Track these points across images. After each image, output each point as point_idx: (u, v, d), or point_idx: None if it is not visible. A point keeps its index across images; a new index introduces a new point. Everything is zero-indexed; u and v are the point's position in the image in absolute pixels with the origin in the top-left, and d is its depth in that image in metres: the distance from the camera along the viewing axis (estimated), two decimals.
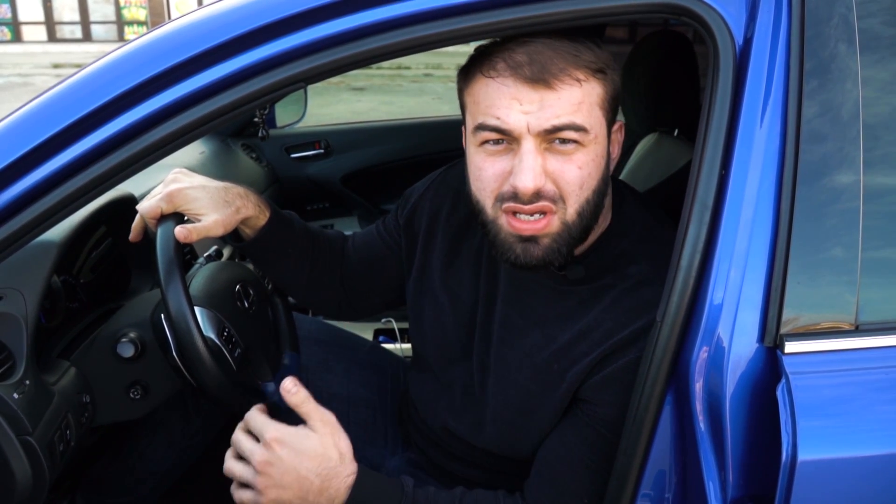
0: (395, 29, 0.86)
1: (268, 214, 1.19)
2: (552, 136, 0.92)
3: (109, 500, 1.43)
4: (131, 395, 1.18)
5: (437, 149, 2.81)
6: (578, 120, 0.91)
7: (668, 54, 1.72)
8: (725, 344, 0.83)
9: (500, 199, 0.95)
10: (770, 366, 0.83)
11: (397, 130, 2.93)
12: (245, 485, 0.97)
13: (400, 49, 0.88)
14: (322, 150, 2.77)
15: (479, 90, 0.95)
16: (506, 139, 0.94)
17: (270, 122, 2.69)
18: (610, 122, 0.98)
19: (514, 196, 0.93)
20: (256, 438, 0.97)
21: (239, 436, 0.99)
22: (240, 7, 0.89)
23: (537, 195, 0.93)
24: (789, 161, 0.84)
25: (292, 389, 0.96)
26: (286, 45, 0.86)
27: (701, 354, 0.84)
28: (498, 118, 0.92)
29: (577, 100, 0.91)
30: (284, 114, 2.75)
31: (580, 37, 0.94)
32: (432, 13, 0.87)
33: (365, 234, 1.34)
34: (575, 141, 0.92)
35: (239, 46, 0.86)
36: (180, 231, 1.05)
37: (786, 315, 0.83)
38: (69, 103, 0.88)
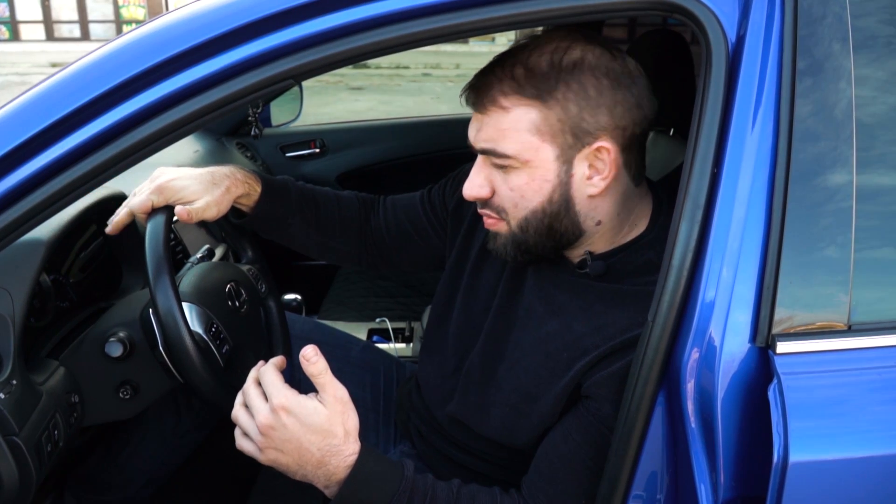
0: (384, 26, 0.86)
1: (259, 191, 1.22)
2: (488, 157, 1.00)
3: (99, 497, 1.42)
4: (121, 394, 1.17)
5: (433, 148, 2.80)
6: (500, 147, 0.98)
7: (665, 54, 1.71)
8: (717, 344, 0.83)
9: None
10: (762, 366, 0.82)
11: (393, 130, 2.92)
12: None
13: (390, 46, 0.87)
14: (317, 150, 2.76)
15: None
16: None
17: (266, 120, 2.68)
18: (566, 147, 0.97)
19: None
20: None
21: (249, 388, 0.96)
22: (228, 3, 0.88)
23: (484, 203, 1.04)
24: (782, 160, 0.83)
25: (312, 358, 0.92)
26: (274, 41, 0.85)
27: (692, 354, 0.83)
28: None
29: (504, 126, 0.97)
30: (280, 112, 2.74)
31: (543, 56, 0.96)
32: (423, 9, 0.86)
33: (407, 207, 1.36)
34: (503, 165, 0.99)
35: (227, 43, 0.86)
36: (181, 210, 1.09)
37: (778, 315, 0.82)
38: (57, 99, 0.87)
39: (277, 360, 0.98)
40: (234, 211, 1.24)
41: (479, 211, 1.06)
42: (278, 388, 0.93)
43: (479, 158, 1.03)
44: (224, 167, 1.19)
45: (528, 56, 0.97)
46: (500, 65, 0.99)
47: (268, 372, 0.95)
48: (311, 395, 0.94)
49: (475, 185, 1.03)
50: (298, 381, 1.02)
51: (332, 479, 0.94)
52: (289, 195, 1.27)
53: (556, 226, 1.02)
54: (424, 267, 1.38)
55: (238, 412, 0.96)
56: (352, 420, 0.95)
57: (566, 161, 0.98)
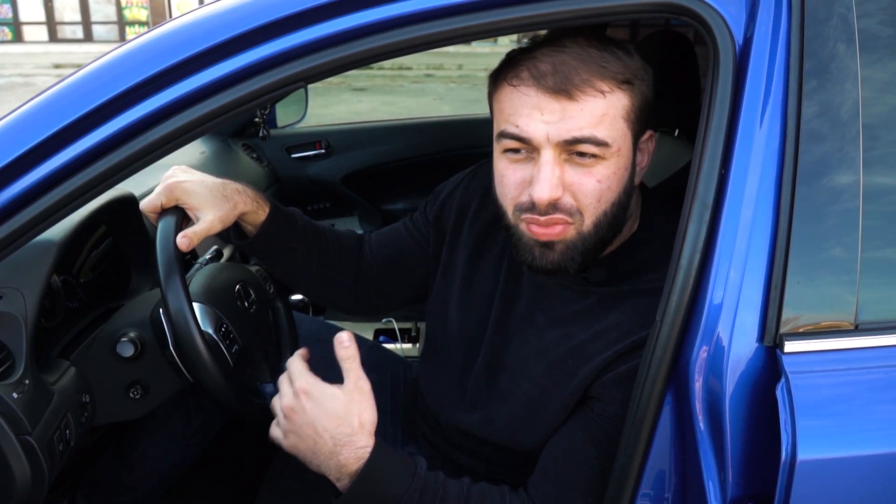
0: (394, 28, 0.86)
1: (267, 210, 1.20)
2: (572, 148, 0.93)
3: (110, 499, 1.43)
4: (131, 394, 1.18)
5: (437, 149, 2.81)
6: (599, 134, 0.92)
7: (669, 54, 1.71)
8: (725, 343, 0.83)
9: (519, 208, 0.98)
10: (769, 365, 0.83)
11: (398, 130, 2.93)
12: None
13: (399, 48, 0.88)
14: (323, 151, 2.77)
15: (503, 98, 0.97)
16: (526, 148, 0.95)
17: (271, 122, 2.69)
18: (637, 133, 0.98)
19: (532, 207, 0.95)
20: None
21: (283, 377, 1.00)
22: (239, 6, 0.89)
23: (554, 207, 0.94)
24: (789, 161, 0.84)
25: (345, 342, 0.96)
26: (286, 44, 0.86)
27: (700, 354, 0.84)
28: (518, 126, 0.94)
29: (600, 112, 0.92)
30: (285, 114, 2.75)
31: (611, 45, 0.95)
32: (432, 13, 0.87)
33: (390, 231, 1.35)
34: (594, 154, 0.93)
35: (238, 46, 0.86)
36: (182, 241, 1.06)
37: (785, 314, 0.82)
38: (69, 102, 0.87)
39: (302, 351, 1.01)
40: (239, 233, 1.23)
41: (543, 220, 0.95)
42: (302, 373, 0.97)
43: (550, 156, 0.93)
44: (236, 183, 1.18)
45: (589, 41, 0.94)
46: (560, 50, 0.93)
47: (294, 361, 0.99)
48: (334, 385, 0.96)
49: (552, 184, 0.93)
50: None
51: (343, 471, 0.95)
52: (295, 222, 1.25)
53: (621, 219, 0.99)
54: (418, 294, 1.33)
55: (274, 400, 1.00)
56: (368, 414, 0.96)
57: (634, 148, 0.98)
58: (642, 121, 0.98)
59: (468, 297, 1.19)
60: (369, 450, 0.95)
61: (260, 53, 0.86)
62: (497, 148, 0.99)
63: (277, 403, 0.99)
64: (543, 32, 1.04)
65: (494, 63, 1.03)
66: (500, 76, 0.99)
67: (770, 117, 0.85)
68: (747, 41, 0.86)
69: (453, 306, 1.20)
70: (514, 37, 1.00)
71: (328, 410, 0.94)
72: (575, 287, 1.06)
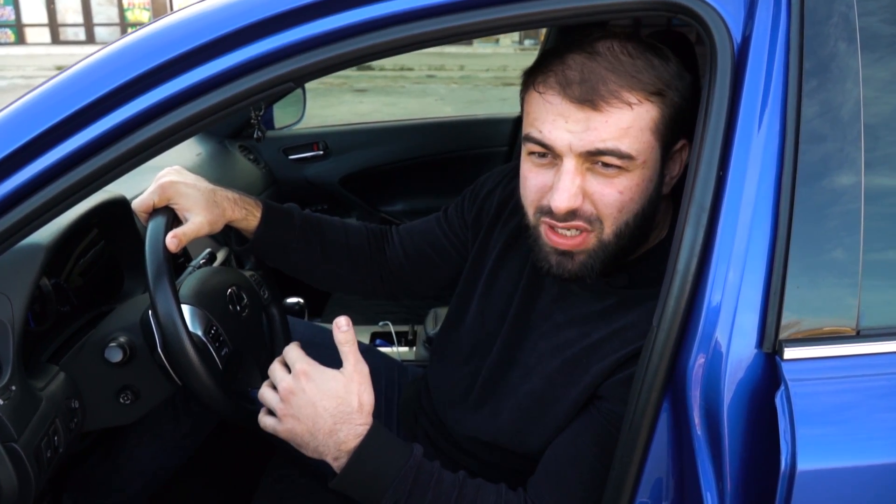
0: (384, 28, 0.85)
1: (259, 216, 1.21)
2: (595, 158, 0.92)
3: (97, 500, 1.42)
4: (121, 399, 1.17)
5: (436, 150, 2.80)
6: (623, 146, 0.91)
7: None
8: (723, 350, 0.81)
9: (540, 210, 0.98)
10: (769, 372, 0.81)
11: (396, 132, 2.91)
12: (271, 413, 0.99)
13: (390, 48, 0.86)
14: (320, 152, 2.76)
15: (531, 101, 0.97)
16: (549, 153, 0.95)
17: (269, 122, 2.68)
18: (667, 144, 0.96)
19: (551, 211, 0.95)
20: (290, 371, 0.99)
21: (275, 365, 1.00)
22: (228, 5, 0.87)
23: (573, 214, 0.94)
24: (788, 162, 0.82)
25: (343, 327, 0.97)
26: (275, 44, 0.85)
27: (698, 360, 0.82)
28: (541, 132, 0.94)
29: (626, 124, 0.91)
30: (283, 115, 2.74)
31: (647, 51, 0.93)
32: (424, 11, 0.85)
33: (424, 229, 1.34)
34: (618, 166, 0.92)
35: (227, 45, 0.85)
36: (171, 241, 1.07)
37: (785, 320, 0.81)
38: (56, 102, 0.86)
39: (295, 342, 1.02)
40: (238, 239, 1.25)
41: (562, 225, 0.96)
42: (300, 357, 0.98)
43: (571, 165, 0.92)
44: (228, 191, 1.19)
45: (623, 47, 0.92)
46: (591, 57, 0.91)
47: (292, 348, 1.00)
48: (332, 369, 0.97)
49: (571, 194, 0.93)
50: None
51: (341, 448, 0.95)
52: (291, 221, 1.26)
53: (645, 229, 0.99)
54: (447, 288, 1.35)
55: (264, 390, 1.00)
56: (367, 395, 0.97)
57: (663, 159, 0.97)
58: (674, 130, 0.96)
59: (491, 292, 1.20)
60: (367, 427, 0.96)
61: (248, 53, 0.85)
62: (524, 149, 1.00)
63: (269, 394, 0.99)
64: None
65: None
66: (531, 79, 0.98)
67: (769, 118, 0.83)
68: (746, 40, 0.85)
69: (475, 300, 1.21)
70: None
71: (328, 391, 0.95)
72: (596, 288, 1.06)
